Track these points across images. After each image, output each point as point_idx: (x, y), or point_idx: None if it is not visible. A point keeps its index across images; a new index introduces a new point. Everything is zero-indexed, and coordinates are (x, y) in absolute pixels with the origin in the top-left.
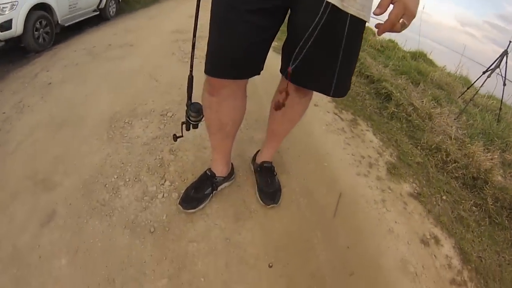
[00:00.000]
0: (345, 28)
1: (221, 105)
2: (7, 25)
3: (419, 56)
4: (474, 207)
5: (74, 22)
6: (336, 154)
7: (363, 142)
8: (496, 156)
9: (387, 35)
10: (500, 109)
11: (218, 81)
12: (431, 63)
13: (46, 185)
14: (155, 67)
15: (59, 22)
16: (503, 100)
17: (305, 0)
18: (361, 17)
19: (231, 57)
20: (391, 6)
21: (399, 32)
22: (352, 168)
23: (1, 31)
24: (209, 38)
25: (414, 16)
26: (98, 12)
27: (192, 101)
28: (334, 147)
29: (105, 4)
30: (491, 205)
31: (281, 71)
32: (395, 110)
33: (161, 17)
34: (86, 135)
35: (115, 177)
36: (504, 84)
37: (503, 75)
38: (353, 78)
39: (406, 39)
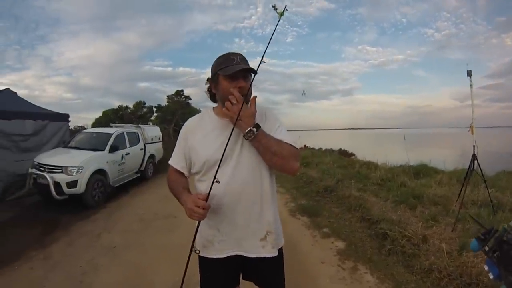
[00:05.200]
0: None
1: None
2: (73, 184)
3: (421, 170)
4: None
5: (121, 183)
6: None
7: (360, 284)
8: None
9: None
10: (491, 202)
11: None
12: (433, 170)
13: None
14: None
15: (111, 183)
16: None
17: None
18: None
19: None
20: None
21: None
22: None
23: (68, 188)
24: None
25: (249, 121)
26: (139, 174)
27: None
28: None
29: (145, 167)
30: None
31: None
32: (391, 246)
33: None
34: None
35: None
36: (484, 181)
37: (481, 175)
38: (356, 224)
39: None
